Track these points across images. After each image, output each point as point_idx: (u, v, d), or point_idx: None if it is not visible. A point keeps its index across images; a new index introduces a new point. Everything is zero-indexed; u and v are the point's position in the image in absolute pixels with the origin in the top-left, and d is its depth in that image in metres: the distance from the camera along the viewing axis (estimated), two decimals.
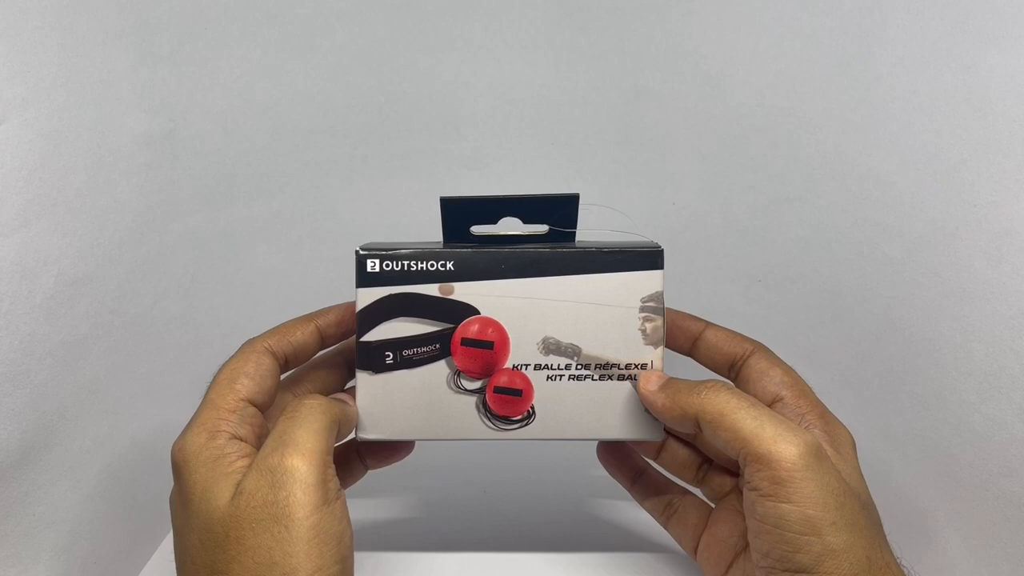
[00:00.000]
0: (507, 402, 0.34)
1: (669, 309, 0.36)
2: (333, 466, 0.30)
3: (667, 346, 0.36)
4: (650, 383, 0.33)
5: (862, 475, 0.32)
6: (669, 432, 0.36)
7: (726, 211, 0.47)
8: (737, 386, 0.36)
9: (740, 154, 0.46)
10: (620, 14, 0.45)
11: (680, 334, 0.37)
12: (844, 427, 0.34)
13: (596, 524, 0.45)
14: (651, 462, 0.39)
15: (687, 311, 0.38)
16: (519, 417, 0.34)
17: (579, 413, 0.34)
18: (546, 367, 0.34)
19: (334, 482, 0.29)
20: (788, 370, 0.35)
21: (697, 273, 0.48)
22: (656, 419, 0.34)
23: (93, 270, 0.37)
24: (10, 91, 0.32)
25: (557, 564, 0.41)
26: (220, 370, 0.33)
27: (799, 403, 0.34)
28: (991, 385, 0.36)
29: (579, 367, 0.34)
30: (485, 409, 0.34)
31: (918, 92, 0.38)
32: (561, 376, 0.34)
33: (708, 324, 0.37)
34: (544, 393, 0.34)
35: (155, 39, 0.41)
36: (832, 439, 0.33)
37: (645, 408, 0.34)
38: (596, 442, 0.39)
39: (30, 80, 0.33)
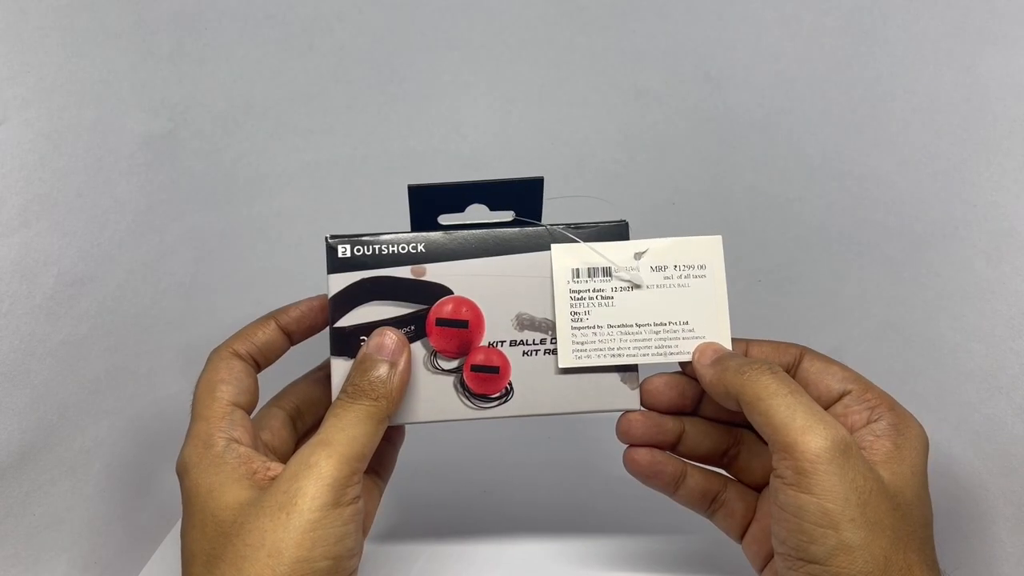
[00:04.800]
0: (485, 380, 0.34)
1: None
2: (361, 474, 0.30)
3: None
4: (704, 357, 0.34)
5: (923, 472, 0.31)
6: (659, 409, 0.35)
7: (726, 211, 0.47)
8: None
9: (740, 154, 0.46)
10: (620, 14, 0.44)
11: None
12: (916, 421, 0.32)
13: (597, 523, 0.45)
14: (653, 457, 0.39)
15: None
16: (497, 395, 0.35)
17: (556, 387, 0.35)
18: (521, 343, 0.34)
19: (354, 488, 0.30)
20: (844, 366, 0.34)
21: None
22: (632, 390, 0.35)
23: (93, 270, 0.37)
24: (10, 91, 0.32)
25: (558, 557, 0.41)
26: (197, 386, 0.33)
27: (866, 396, 0.33)
28: (991, 385, 0.36)
29: (554, 341, 0.34)
30: (463, 388, 0.34)
31: (918, 92, 0.38)
32: (537, 351, 0.34)
33: (749, 341, 0.36)
34: (521, 369, 0.34)
35: (155, 39, 0.41)
36: (899, 432, 0.32)
37: (620, 379, 0.34)
38: (577, 418, 0.38)
39: (30, 80, 0.33)
